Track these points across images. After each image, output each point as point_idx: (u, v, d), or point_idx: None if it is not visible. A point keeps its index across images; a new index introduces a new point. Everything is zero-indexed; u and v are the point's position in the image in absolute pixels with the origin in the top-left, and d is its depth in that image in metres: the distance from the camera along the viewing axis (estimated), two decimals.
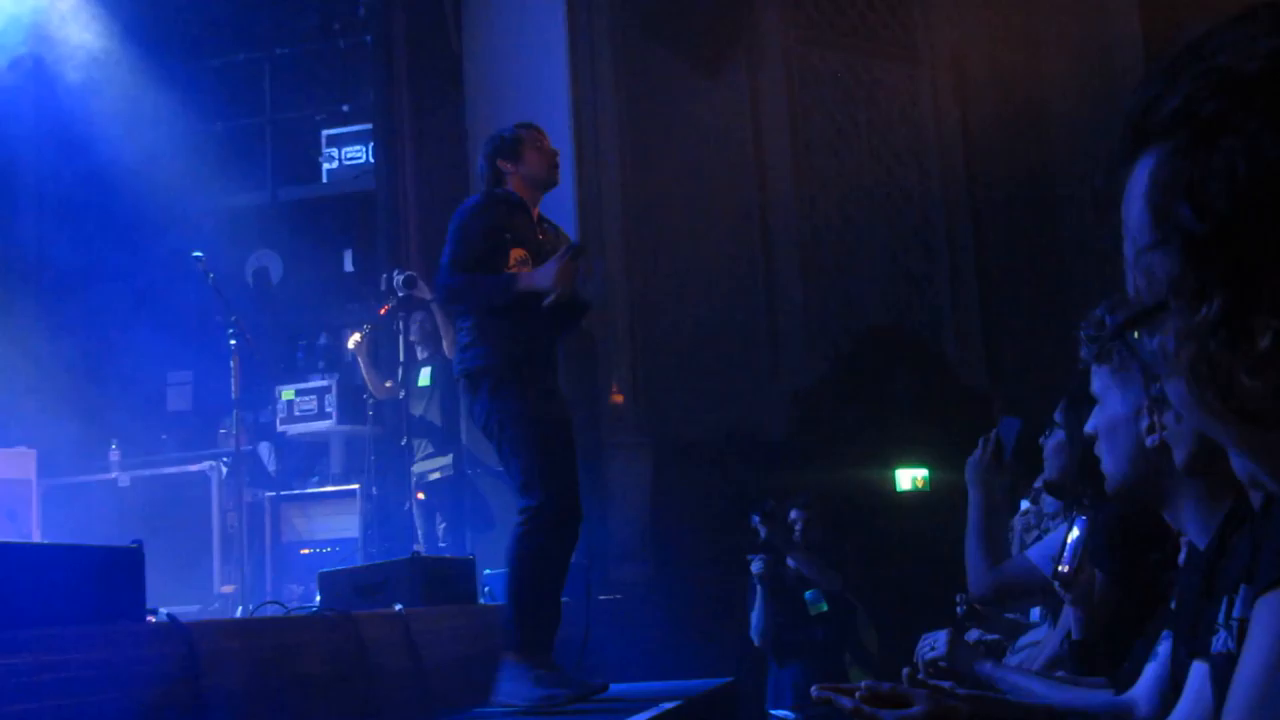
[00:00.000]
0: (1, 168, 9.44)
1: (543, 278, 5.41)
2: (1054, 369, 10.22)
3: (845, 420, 10.63)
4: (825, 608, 7.47)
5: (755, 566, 7.45)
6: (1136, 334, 1.11)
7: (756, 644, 7.59)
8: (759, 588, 7.52)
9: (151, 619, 4.16)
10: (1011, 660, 4.67)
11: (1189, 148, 1.02)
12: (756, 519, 7.62)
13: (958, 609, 5.09)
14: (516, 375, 5.46)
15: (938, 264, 12.10)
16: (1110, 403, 2.29)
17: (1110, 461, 2.30)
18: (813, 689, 2.06)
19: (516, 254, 5.56)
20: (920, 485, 10.59)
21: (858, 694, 1.93)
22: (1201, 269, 1.02)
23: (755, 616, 7.55)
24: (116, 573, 3.99)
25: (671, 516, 9.85)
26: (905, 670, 2.37)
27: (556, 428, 5.48)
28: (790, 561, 7.61)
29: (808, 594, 7.46)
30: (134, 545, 4.05)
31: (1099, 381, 2.35)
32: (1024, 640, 5.02)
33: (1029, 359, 11.25)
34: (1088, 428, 2.38)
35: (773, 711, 7.29)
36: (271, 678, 4.37)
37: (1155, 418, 2.13)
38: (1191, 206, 1.02)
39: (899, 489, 10.62)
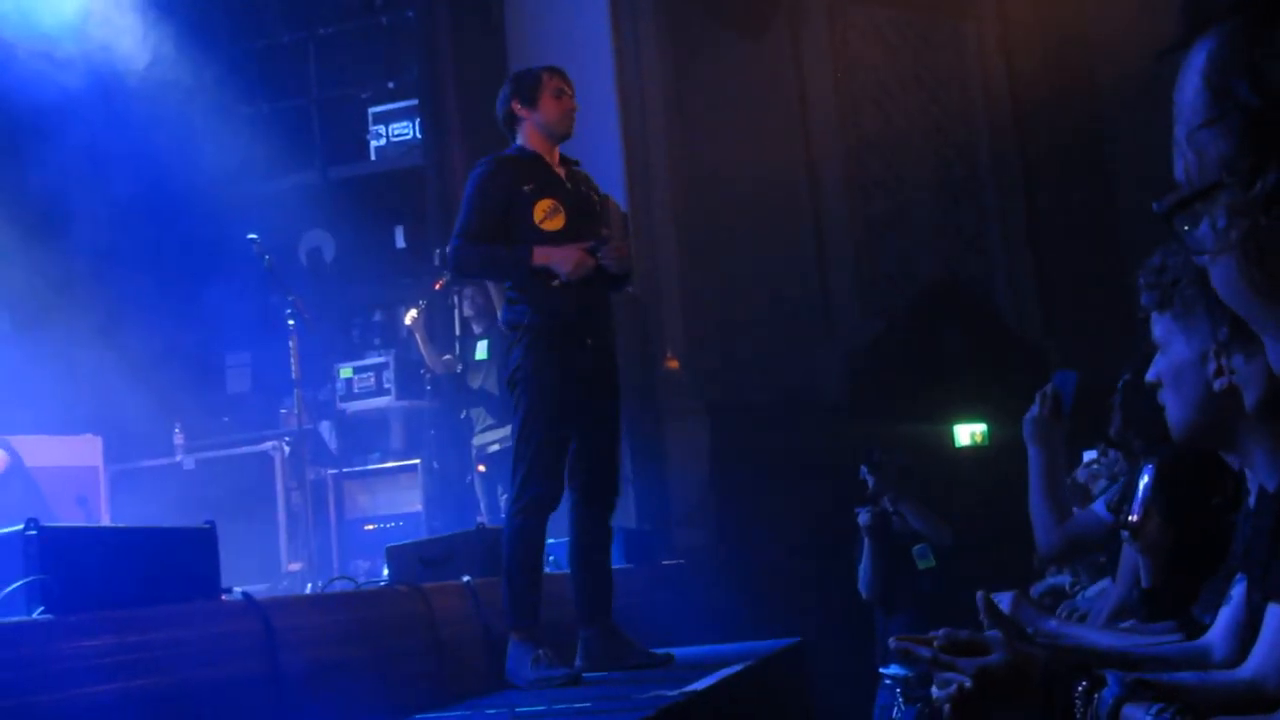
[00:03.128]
0: (60, 160, 9.53)
1: (560, 262, 5.34)
2: (1109, 319, 10.18)
3: (902, 378, 10.59)
4: (933, 562, 7.31)
5: (862, 518, 7.26)
6: (1185, 225, 1.13)
7: (864, 597, 7.48)
8: (866, 540, 7.37)
9: (226, 597, 4.23)
10: (1080, 607, 4.67)
11: (1248, 28, 1.05)
12: (864, 470, 7.45)
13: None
14: (550, 341, 5.36)
15: (989, 218, 12.02)
16: (1174, 349, 2.28)
17: (1176, 408, 2.29)
18: (890, 640, 2.07)
19: (544, 205, 5.44)
20: (979, 440, 10.55)
21: (936, 643, 1.94)
22: (1257, 144, 1.04)
23: (862, 569, 7.40)
24: (191, 553, 4.07)
25: (731, 480, 9.86)
26: (980, 594, 2.35)
27: (572, 400, 5.37)
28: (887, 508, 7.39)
29: (915, 549, 7.29)
30: (207, 526, 4.12)
31: (1160, 328, 2.33)
32: (1092, 590, 5.02)
33: (1084, 310, 11.17)
34: (1149, 375, 2.36)
35: (882, 670, 7.20)
36: (346, 651, 4.44)
37: (1223, 361, 2.12)
38: (1250, 83, 1.04)
39: (958, 444, 10.58)
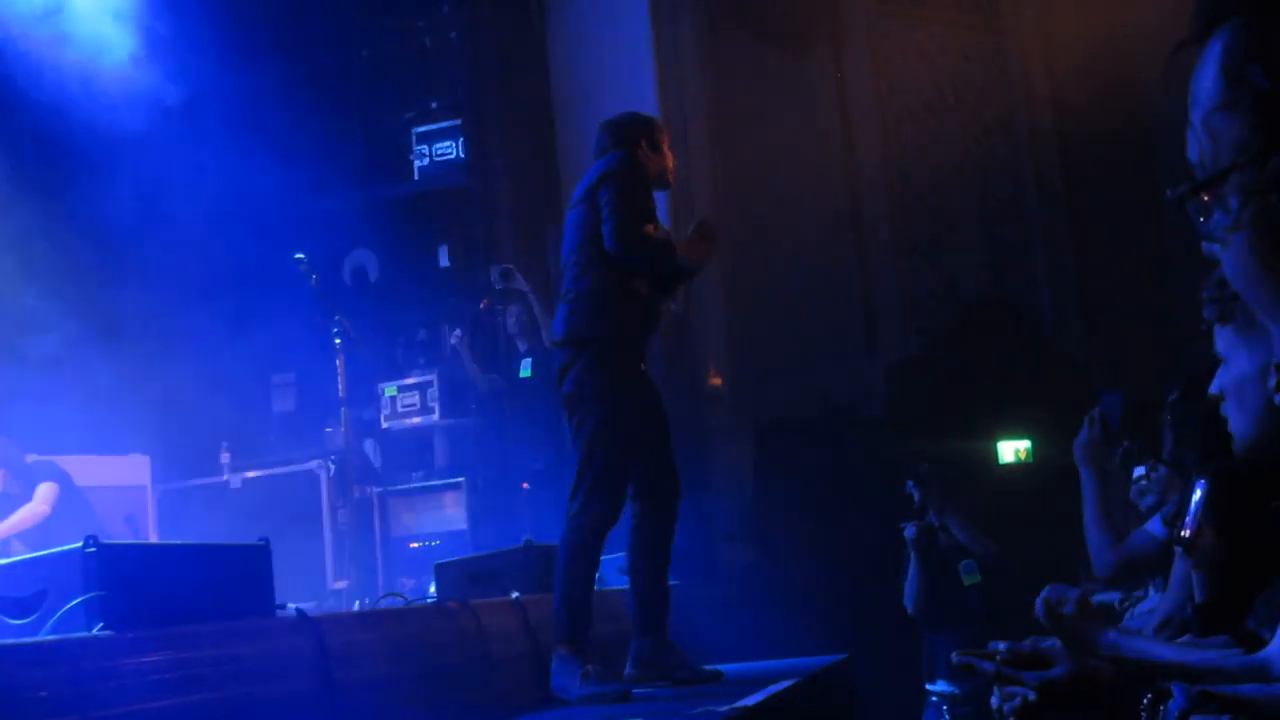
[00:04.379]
0: (110, 186, 9.63)
1: (693, 261, 5.50)
2: (1153, 334, 10.12)
3: (944, 394, 10.53)
4: (979, 578, 7.27)
5: (908, 533, 7.23)
6: (1198, 214, 1.17)
7: (910, 612, 7.44)
8: (912, 555, 7.33)
9: (280, 613, 4.26)
10: (1130, 625, 4.63)
11: (1261, 18, 1.10)
12: (910, 484, 7.42)
13: None
14: (616, 356, 5.36)
15: (1032, 233, 11.98)
16: (1236, 362, 2.28)
17: (1238, 421, 2.29)
18: (953, 655, 2.07)
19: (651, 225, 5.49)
20: (1023, 457, 10.45)
21: (999, 657, 1.94)
22: (1269, 126, 1.09)
23: (908, 584, 7.36)
24: (247, 570, 4.11)
25: (775, 496, 9.84)
26: (1041, 598, 2.32)
27: (638, 417, 5.41)
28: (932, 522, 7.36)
29: (962, 564, 7.25)
30: (262, 543, 4.15)
31: (1223, 342, 2.34)
32: (1141, 608, 4.98)
33: (1128, 325, 11.11)
34: (1213, 388, 2.36)
35: (929, 687, 7.14)
36: (398, 667, 4.46)
37: None
38: (1262, 67, 1.09)
39: (1001, 461, 10.49)
